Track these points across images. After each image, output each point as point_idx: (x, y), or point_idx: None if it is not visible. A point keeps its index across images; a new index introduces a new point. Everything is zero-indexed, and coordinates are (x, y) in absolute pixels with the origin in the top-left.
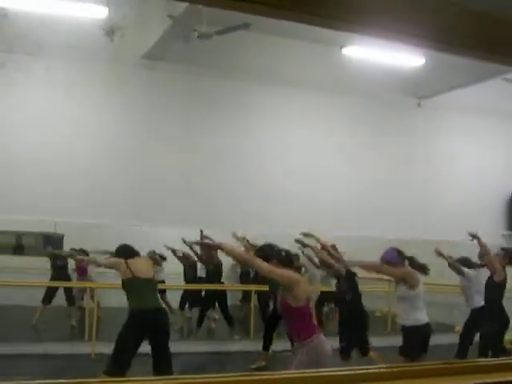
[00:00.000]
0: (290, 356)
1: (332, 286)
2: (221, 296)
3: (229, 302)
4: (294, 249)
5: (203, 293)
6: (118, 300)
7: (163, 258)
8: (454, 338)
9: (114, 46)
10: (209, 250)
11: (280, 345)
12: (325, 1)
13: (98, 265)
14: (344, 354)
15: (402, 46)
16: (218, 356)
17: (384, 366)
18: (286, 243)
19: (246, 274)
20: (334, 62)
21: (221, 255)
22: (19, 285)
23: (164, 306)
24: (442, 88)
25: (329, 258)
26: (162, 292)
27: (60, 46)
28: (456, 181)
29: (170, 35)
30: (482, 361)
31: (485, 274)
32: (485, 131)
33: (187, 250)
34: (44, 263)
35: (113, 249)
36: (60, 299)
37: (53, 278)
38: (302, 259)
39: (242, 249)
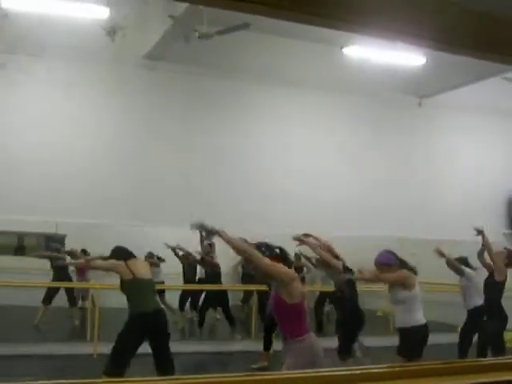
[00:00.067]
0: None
1: (332, 286)
2: (222, 297)
3: (230, 303)
4: (294, 249)
5: (203, 294)
6: (118, 300)
7: (161, 260)
8: (456, 338)
9: (115, 46)
10: (208, 240)
11: (281, 345)
12: (325, 1)
13: (97, 269)
14: (342, 353)
15: (402, 45)
16: (220, 356)
17: (384, 366)
18: (286, 243)
19: (248, 275)
20: (335, 62)
21: (219, 258)
22: (20, 285)
23: (163, 306)
24: (443, 87)
25: (328, 256)
26: (161, 293)
27: (61, 46)
28: (456, 180)
29: (170, 35)
30: (482, 361)
31: (483, 274)
32: (485, 130)
33: (188, 249)
34: (45, 264)
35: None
36: (60, 300)
37: (54, 279)
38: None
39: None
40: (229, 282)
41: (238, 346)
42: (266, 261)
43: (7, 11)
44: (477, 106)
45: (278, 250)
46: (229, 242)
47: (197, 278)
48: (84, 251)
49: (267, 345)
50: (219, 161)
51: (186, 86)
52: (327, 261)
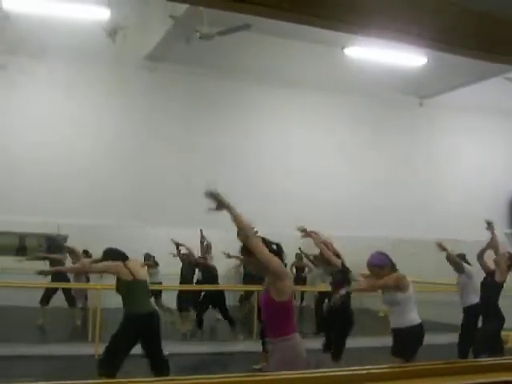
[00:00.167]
0: None
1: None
2: (218, 298)
3: (230, 303)
4: (295, 249)
5: (202, 295)
6: (120, 301)
7: (156, 264)
8: (451, 338)
9: (116, 47)
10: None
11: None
12: (324, 2)
13: (95, 272)
14: (334, 354)
15: (403, 46)
16: (221, 356)
17: (384, 366)
18: (286, 243)
19: (250, 275)
20: (336, 62)
21: (217, 260)
22: (20, 286)
23: (157, 308)
24: (444, 87)
25: (329, 253)
26: (158, 294)
27: (62, 47)
28: (458, 180)
29: (171, 36)
30: (482, 361)
31: (480, 274)
32: (486, 130)
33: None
34: (45, 265)
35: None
36: (60, 300)
37: (53, 280)
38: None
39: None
40: (230, 282)
41: (240, 346)
42: (266, 251)
43: (8, 12)
44: (478, 106)
45: (274, 246)
46: (236, 216)
47: (195, 279)
48: (86, 252)
49: (266, 346)
50: (220, 161)
51: (186, 87)
52: (327, 257)
